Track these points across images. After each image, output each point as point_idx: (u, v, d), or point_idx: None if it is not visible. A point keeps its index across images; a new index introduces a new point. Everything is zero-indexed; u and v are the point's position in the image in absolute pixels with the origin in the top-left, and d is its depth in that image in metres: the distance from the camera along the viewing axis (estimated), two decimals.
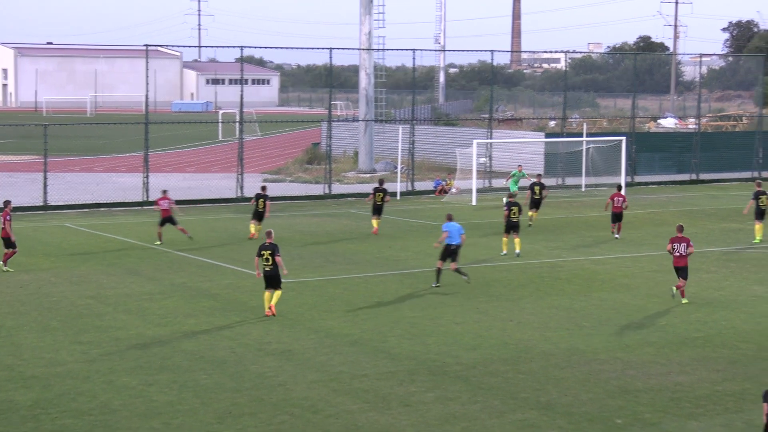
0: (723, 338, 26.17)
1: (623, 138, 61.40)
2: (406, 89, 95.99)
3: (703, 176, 67.79)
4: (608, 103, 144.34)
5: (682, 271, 30.05)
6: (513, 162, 67.77)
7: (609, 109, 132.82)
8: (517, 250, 37.76)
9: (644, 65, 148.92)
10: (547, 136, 71.85)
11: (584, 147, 62.58)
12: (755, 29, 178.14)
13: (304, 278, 33.34)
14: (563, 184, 63.22)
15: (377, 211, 43.40)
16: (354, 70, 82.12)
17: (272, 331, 26.49)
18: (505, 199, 42.94)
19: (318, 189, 58.47)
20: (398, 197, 56.65)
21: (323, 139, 68.09)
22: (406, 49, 63.60)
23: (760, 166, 69.82)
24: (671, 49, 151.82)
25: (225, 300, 30.38)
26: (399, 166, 60.50)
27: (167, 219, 40.06)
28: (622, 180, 59.12)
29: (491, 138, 64.52)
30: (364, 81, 66.95)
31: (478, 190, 56.29)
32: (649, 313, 28.94)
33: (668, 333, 26.66)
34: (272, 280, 28.25)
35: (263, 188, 42.30)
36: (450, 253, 32.13)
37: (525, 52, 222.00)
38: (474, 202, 54.05)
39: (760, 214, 41.51)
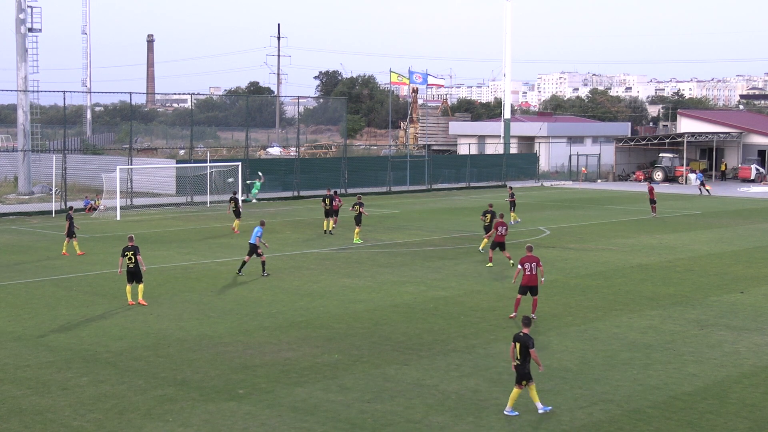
0: (321, 321, 26.85)
1: (239, 163, 62.03)
2: (59, 124, 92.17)
3: (303, 193, 69.35)
4: (227, 135, 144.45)
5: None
6: (150, 184, 66.85)
7: (227, 140, 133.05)
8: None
9: (255, 105, 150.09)
10: (178, 162, 71.09)
11: (208, 171, 62.57)
12: (339, 77, 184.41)
13: None
14: (192, 201, 62.84)
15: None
16: (13, 108, 78.42)
17: None
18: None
19: None
20: (53, 215, 54.58)
21: None
22: (58, 91, 62.46)
23: (346, 184, 72.25)
24: (276, 92, 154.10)
25: None
26: (53, 189, 58.63)
27: None
28: (239, 197, 59.55)
29: (131, 165, 63.23)
30: (22, 117, 64.70)
31: (122, 208, 55.14)
32: (263, 303, 29.27)
33: (279, 318, 27.08)
34: (135, 275, 28.51)
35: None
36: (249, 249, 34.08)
37: (158, 93, 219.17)
38: (118, 218, 52.74)
39: (358, 220, 43.32)
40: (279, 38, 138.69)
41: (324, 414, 18.54)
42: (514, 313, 27.00)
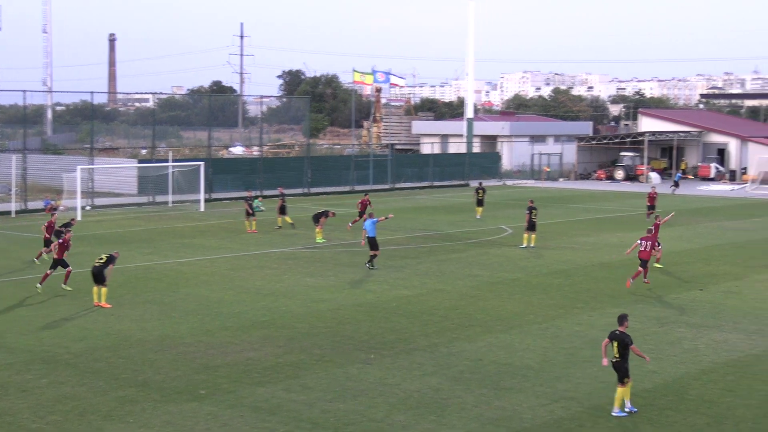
0: (283, 320, 26.80)
1: (202, 163, 61.68)
2: (19, 124, 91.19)
3: (267, 193, 69.04)
4: (189, 134, 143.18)
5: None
6: (112, 184, 66.29)
7: (190, 139, 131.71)
8: (532, 245, 41.53)
9: (217, 104, 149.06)
10: (140, 162, 70.50)
11: (170, 171, 62.17)
12: (302, 77, 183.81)
13: None
14: (154, 201, 62.44)
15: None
16: None
17: None
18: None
19: None
20: (13, 215, 54.05)
21: None
22: (18, 91, 61.20)
23: (309, 183, 72.09)
24: (238, 92, 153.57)
25: None
26: (13, 189, 57.95)
27: None
28: (201, 197, 59.33)
29: (93, 164, 62.73)
30: None
31: (82, 207, 54.71)
32: (225, 303, 29.17)
33: (241, 318, 26.99)
34: (97, 278, 28.39)
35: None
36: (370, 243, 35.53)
37: (120, 93, 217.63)
38: (79, 218, 52.21)
39: (316, 219, 43.49)
40: (242, 37, 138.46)
41: (286, 414, 18.50)
42: (632, 279, 31.88)
